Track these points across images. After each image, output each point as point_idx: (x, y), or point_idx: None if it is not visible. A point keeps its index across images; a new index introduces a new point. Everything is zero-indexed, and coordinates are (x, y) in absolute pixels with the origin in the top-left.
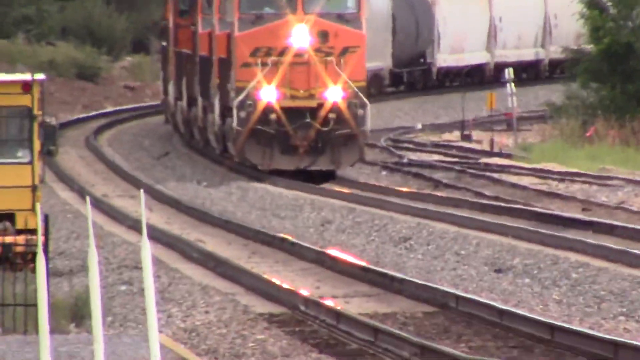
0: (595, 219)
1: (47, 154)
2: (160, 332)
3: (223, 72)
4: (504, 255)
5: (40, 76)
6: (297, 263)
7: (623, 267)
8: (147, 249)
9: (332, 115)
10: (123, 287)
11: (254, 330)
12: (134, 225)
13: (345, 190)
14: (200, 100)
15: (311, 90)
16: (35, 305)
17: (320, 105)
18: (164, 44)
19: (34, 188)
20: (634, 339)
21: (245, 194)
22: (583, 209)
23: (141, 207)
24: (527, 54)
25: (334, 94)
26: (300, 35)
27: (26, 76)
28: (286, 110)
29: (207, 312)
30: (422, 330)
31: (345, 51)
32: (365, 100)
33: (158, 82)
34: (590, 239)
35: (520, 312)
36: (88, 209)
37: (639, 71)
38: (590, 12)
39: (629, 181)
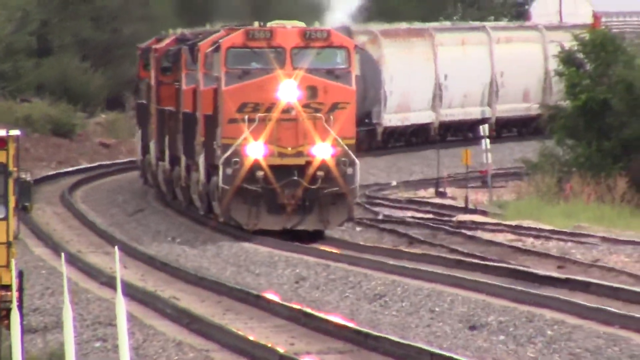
0: (570, 276)
1: (22, 210)
2: None
3: (209, 129)
4: (479, 312)
5: (15, 132)
6: (269, 320)
7: (598, 325)
8: (122, 306)
9: (320, 173)
10: (97, 344)
11: None
12: (109, 281)
13: (320, 247)
14: (183, 159)
15: (299, 148)
16: None
17: (309, 163)
18: (138, 101)
19: (8, 244)
20: None
21: (220, 250)
22: (558, 267)
23: (116, 264)
24: (474, 112)
25: (322, 152)
26: (288, 90)
27: (1, 132)
28: (273, 168)
29: None
30: None
31: (334, 107)
32: (355, 158)
33: (133, 139)
34: (566, 296)
35: None
36: (63, 265)
37: (615, 128)
38: (567, 69)
39: (604, 239)
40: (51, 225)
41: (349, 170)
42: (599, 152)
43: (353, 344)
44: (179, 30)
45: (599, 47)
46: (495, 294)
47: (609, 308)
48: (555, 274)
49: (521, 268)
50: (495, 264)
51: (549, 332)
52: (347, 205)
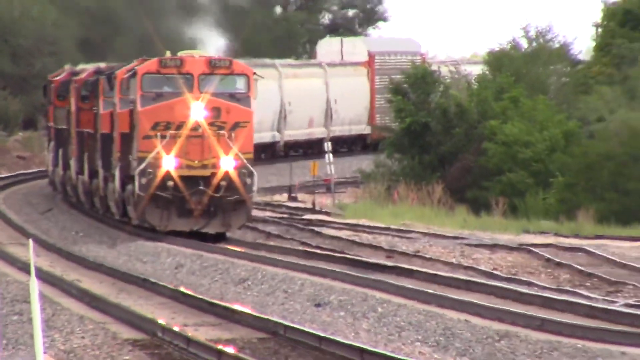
0: (397, 264)
1: None
2: (45, 353)
3: (124, 145)
4: (323, 293)
5: None
6: (154, 298)
7: (419, 304)
8: (35, 286)
9: (223, 183)
10: (15, 317)
11: (121, 352)
12: (24, 267)
13: (194, 240)
14: (101, 172)
15: (205, 161)
16: None
17: (213, 174)
18: (48, 123)
19: None
20: None
21: (115, 242)
22: (387, 256)
23: (29, 253)
24: (316, 133)
25: (225, 164)
26: (196, 110)
27: None
28: (183, 178)
29: (83, 337)
30: (256, 353)
31: (236, 126)
32: (253, 169)
33: (44, 152)
34: (393, 280)
35: (336, 338)
36: None
37: (433, 145)
38: (395, 97)
39: (425, 234)
40: None
41: (248, 180)
42: (420, 164)
43: (222, 319)
44: (81, 65)
45: (420, 79)
46: (336, 278)
47: (427, 290)
48: (384, 262)
49: (357, 257)
50: (336, 254)
51: (380, 309)
52: (246, 210)
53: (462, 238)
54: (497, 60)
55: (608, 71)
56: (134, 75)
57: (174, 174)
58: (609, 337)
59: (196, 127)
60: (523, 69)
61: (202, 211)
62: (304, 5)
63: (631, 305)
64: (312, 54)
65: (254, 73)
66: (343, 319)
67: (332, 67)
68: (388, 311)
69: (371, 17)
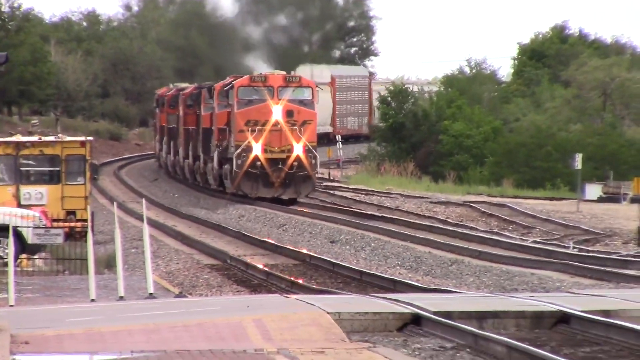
0: (384, 215)
1: (93, 180)
2: (153, 273)
3: (221, 136)
4: (335, 234)
5: (90, 138)
6: (224, 237)
7: (399, 241)
8: (146, 230)
9: (295, 163)
10: (133, 250)
11: (202, 273)
12: (139, 217)
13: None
14: (202, 156)
15: (282, 147)
16: (86, 259)
17: (288, 157)
18: (159, 124)
19: (86, 197)
20: (404, 278)
21: (197, 201)
22: (377, 209)
23: (143, 208)
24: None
25: (297, 150)
26: (276, 112)
27: (82, 138)
28: (267, 160)
29: (177, 263)
30: (292, 273)
31: (304, 123)
32: (316, 153)
33: (152, 142)
34: (381, 226)
35: (344, 263)
36: (115, 209)
37: (407, 137)
38: (382, 105)
39: (402, 195)
40: (109, 188)
41: (313, 161)
42: (399, 149)
43: (269, 251)
44: (180, 84)
45: (398, 93)
46: (344, 224)
47: (404, 231)
48: (376, 213)
49: (359, 210)
50: (344, 208)
51: (372, 244)
52: (312, 182)
53: (427, 198)
54: (449, 81)
55: (521, 89)
56: (231, 87)
57: (261, 157)
58: (523, 263)
59: (276, 124)
60: (466, 87)
61: (280, 183)
62: (322, 44)
63: (537, 242)
64: None
65: (317, 85)
66: (348, 250)
67: None
68: (378, 245)
69: (367, 53)
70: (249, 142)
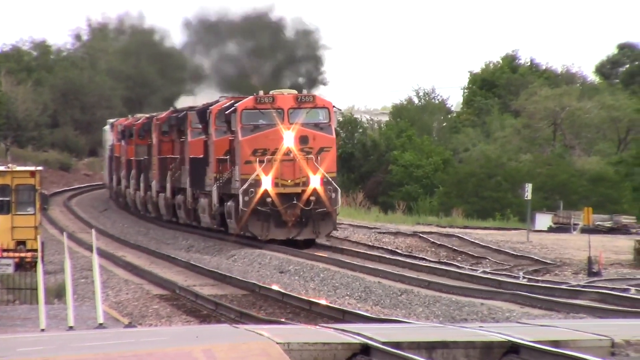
0: (333, 245)
1: (43, 210)
2: (103, 303)
3: (221, 167)
4: (285, 264)
5: (39, 168)
6: (174, 267)
7: (348, 271)
8: (96, 259)
9: (312, 198)
10: (82, 280)
11: (152, 303)
12: (88, 247)
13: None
14: (189, 190)
15: (296, 180)
16: (36, 289)
17: (304, 191)
18: (109, 154)
19: (36, 227)
20: (353, 308)
21: (147, 231)
22: (327, 239)
23: (92, 238)
24: None
25: (313, 182)
26: (287, 139)
27: (32, 168)
28: (278, 195)
29: (127, 293)
30: (241, 303)
31: (321, 150)
32: (337, 186)
33: (102, 172)
34: (330, 255)
35: (293, 294)
36: (65, 239)
37: (357, 167)
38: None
39: (351, 225)
40: (58, 218)
41: (333, 195)
42: (348, 179)
43: (218, 281)
44: (139, 115)
45: (347, 123)
46: (294, 254)
47: (353, 262)
48: (325, 243)
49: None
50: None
51: (322, 275)
52: (332, 220)
53: (376, 228)
54: (398, 111)
55: (471, 118)
56: (234, 110)
57: (272, 191)
58: (473, 293)
59: (288, 152)
60: (415, 117)
61: (295, 222)
62: (272, 74)
63: (487, 272)
64: None
65: (334, 106)
66: (298, 281)
67: None
68: (327, 276)
69: (315, 82)
70: (257, 175)
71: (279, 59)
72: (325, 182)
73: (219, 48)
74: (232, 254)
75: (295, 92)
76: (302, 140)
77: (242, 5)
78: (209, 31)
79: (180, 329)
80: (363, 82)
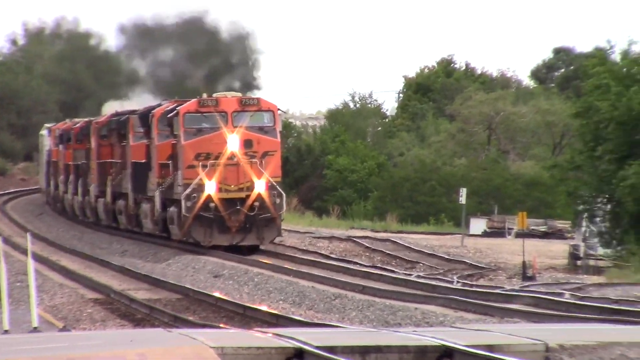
0: (267, 249)
1: None
2: (37, 307)
3: (164, 172)
4: (219, 269)
5: None
6: (109, 271)
7: (282, 275)
8: (31, 263)
9: (256, 203)
10: (18, 284)
11: (86, 307)
12: (24, 251)
13: (136, 233)
14: (131, 195)
15: (240, 185)
16: None
17: (248, 196)
18: (46, 158)
19: None
20: (287, 313)
21: (82, 236)
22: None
23: (28, 242)
24: None
25: (258, 187)
26: (231, 143)
27: None
28: (222, 200)
29: (62, 297)
30: (175, 307)
31: (265, 154)
32: (282, 191)
33: (37, 176)
34: (265, 260)
35: (227, 298)
36: None
37: (291, 172)
38: None
39: (285, 230)
40: None
41: (278, 200)
42: (282, 184)
43: (153, 285)
44: (77, 119)
45: (283, 128)
46: (228, 259)
47: (288, 266)
48: (260, 247)
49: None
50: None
51: (256, 279)
52: (277, 226)
53: (310, 232)
54: (334, 116)
55: (406, 123)
56: (176, 114)
57: (215, 196)
58: (407, 298)
59: (232, 157)
60: (350, 121)
61: (239, 228)
62: (208, 78)
63: (421, 277)
64: None
65: (278, 109)
66: (232, 285)
67: None
68: (262, 280)
69: (250, 86)
70: (200, 180)
71: (214, 63)
72: (270, 187)
73: (155, 53)
74: (166, 258)
75: (239, 94)
76: (247, 144)
77: (178, 10)
78: (144, 36)
79: (114, 333)
80: (298, 86)
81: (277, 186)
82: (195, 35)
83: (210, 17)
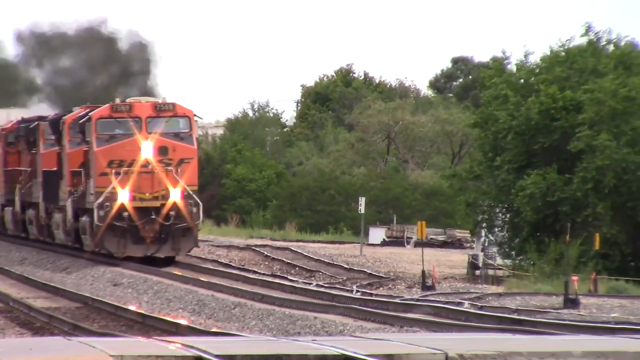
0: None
1: None
2: None
3: (76, 180)
4: (118, 277)
5: None
6: (7, 280)
7: (181, 284)
8: None
9: (172, 213)
10: None
11: None
12: None
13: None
14: (42, 204)
15: (155, 193)
16: None
17: (163, 205)
18: None
19: None
20: (187, 321)
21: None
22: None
23: None
24: None
25: (173, 196)
26: (145, 149)
27: None
28: (136, 209)
29: None
30: (74, 316)
31: (181, 162)
32: (198, 200)
33: None
34: (164, 269)
35: (126, 307)
36: None
37: None
38: None
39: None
40: None
41: (194, 210)
42: None
43: (51, 294)
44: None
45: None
46: (126, 267)
47: (186, 275)
48: (157, 257)
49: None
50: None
51: (155, 288)
52: (193, 236)
53: (209, 241)
54: (233, 125)
55: (305, 132)
56: (88, 119)
57: (128, 205)
58: (307, 307)
59: (146, 164)
60: (249, 130)
61: (153, 238)
62: (107, 86)
63: (320, 286)
64: None
65: (195, 114)
66: (131, 294)
67: None
68: (161, 288)
69: (149, 94)
70: (113, 188)
71: (113, 72)
72: (186, 196)
73: (53, 61)
74: (66, 266)
75: (154, 99)
76: (161, 151)
77: (76, 18)
78: (42, 44)
79: (13, 342)
80: (197, 95)
81: (194, 195)
82: (93, 44)
83: (109, 26)
